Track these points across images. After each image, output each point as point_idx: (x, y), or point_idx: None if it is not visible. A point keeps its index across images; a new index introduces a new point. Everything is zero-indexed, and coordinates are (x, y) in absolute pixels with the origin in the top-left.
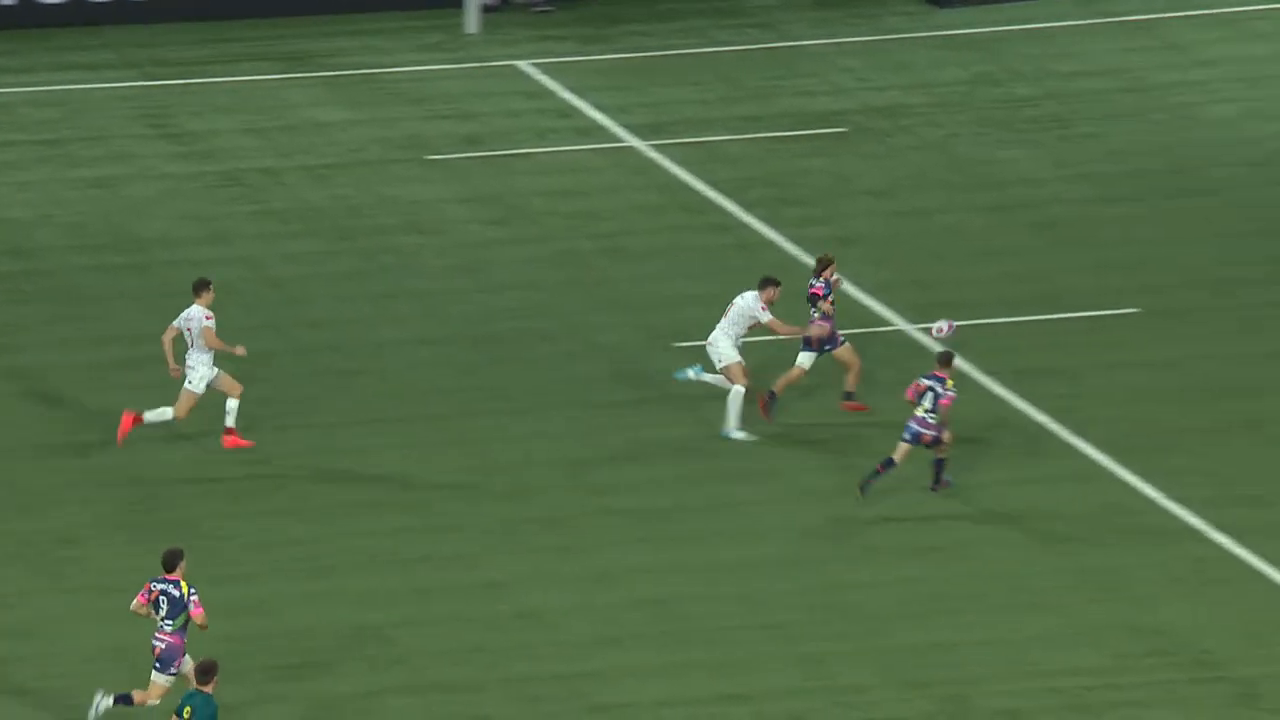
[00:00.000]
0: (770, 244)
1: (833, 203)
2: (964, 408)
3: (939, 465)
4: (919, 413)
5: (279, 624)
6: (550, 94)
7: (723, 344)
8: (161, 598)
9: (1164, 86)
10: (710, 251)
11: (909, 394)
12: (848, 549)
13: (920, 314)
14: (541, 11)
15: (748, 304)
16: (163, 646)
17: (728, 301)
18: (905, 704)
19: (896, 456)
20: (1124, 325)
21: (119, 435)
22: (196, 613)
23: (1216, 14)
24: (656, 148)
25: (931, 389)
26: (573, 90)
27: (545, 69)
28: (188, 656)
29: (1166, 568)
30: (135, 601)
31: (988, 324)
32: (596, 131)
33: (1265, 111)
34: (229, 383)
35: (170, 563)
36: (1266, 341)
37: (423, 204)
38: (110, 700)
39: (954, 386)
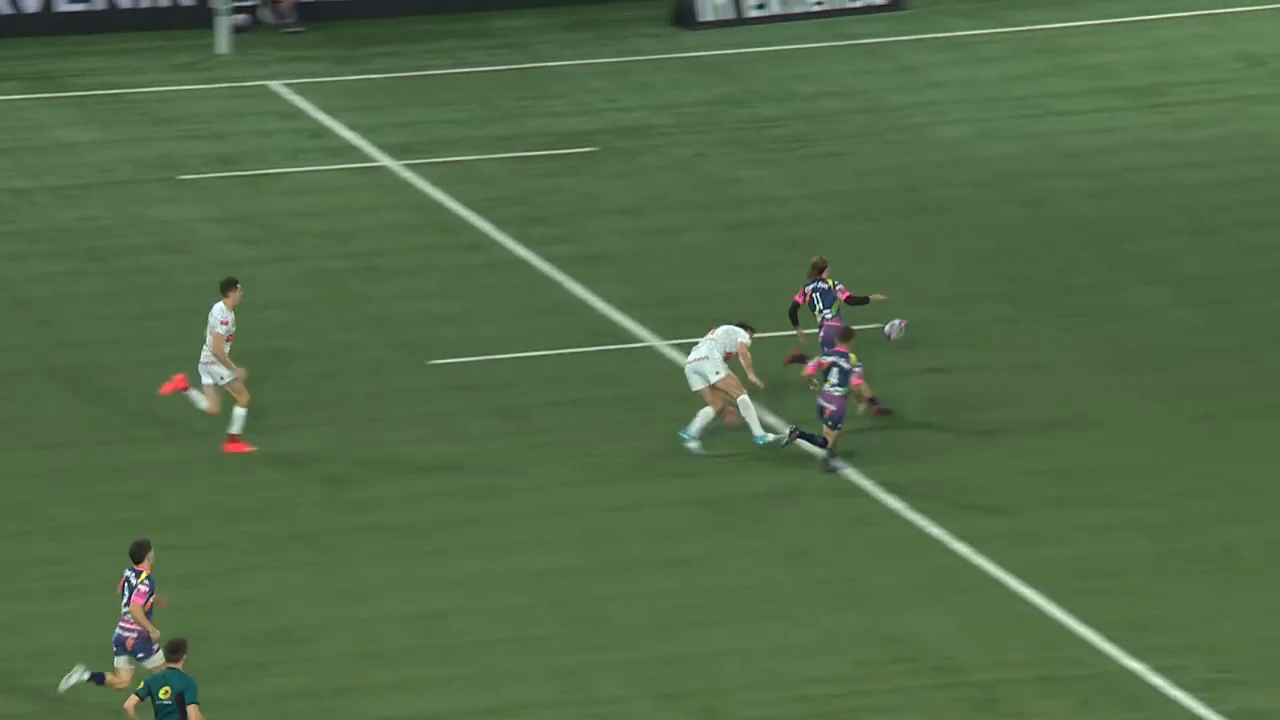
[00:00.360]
0: (522, 262)
1: (582, 221)
2: (712, 421)
3: (822, 440)
4: (826, 387)
5: (26, 645)
6: (302, 114)
7: (716, 359)
8: (124, 586)
9: (899, 108)
10: (463, 270)
11: (809, 370)
12: (600, 562)
13: (668, 330)
14: (292, 32)
15: (731, 336)
16: (133, 636)
17: (480, 319)
18: (660, 715)
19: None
20: (861, 340)
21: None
22: (136, 600)
23: (947, 38)
24: (409, 167)
25: (836, 365)
26: (325, 110)
27: (297, 89)
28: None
29: (909, 577)
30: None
31: None
32: (349, 151)
33: (994, 132)
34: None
35: (137, 554)
36: (998, 355)
37: (175, 224)
38: (85, 675)
39: (859, 361)
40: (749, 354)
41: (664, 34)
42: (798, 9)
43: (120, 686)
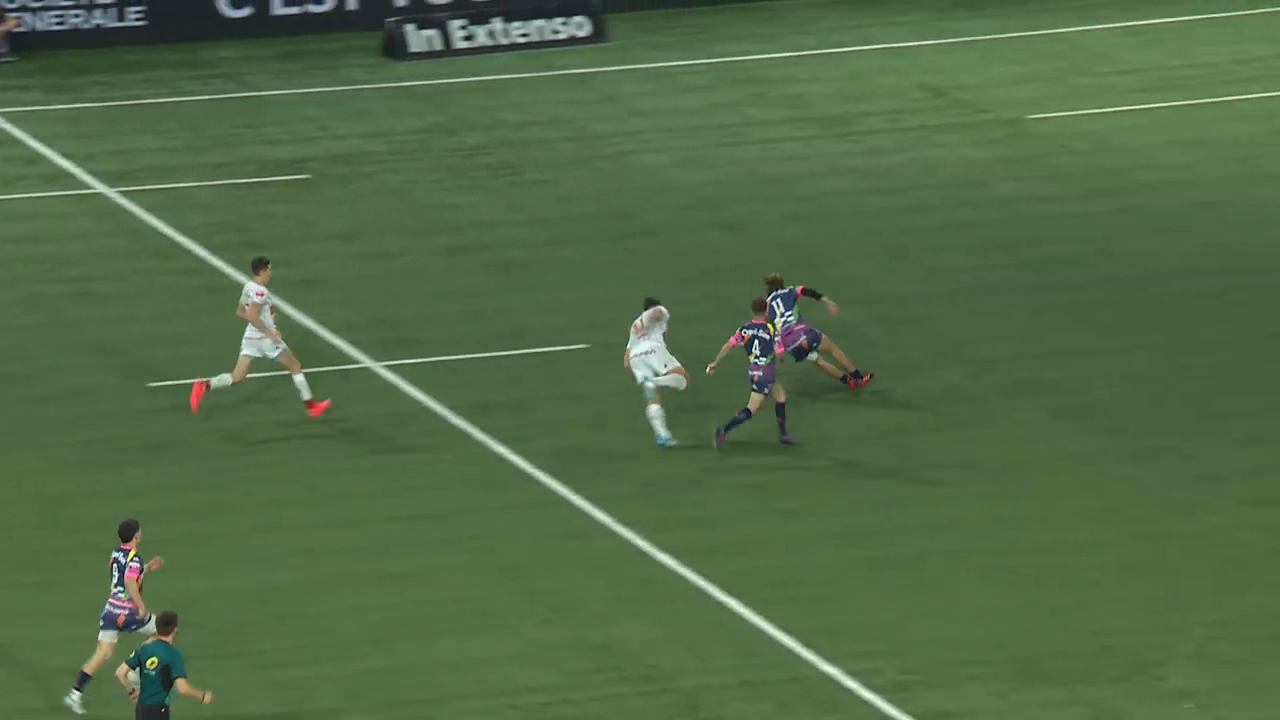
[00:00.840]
0: (239, 286)
1: (297, 246)
2: (428, 439)
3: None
4: (752, 359)
5: None
6: (16, 142)
7: (662, 348)
8: (114, 565)
9: (604, 136)
10: (181, 294)
11: (732, 341)
12: (318, 577)
13: (383, 352)
14: (4, 61)
15: (660, 320)
16: (125, 613)
17: (199, 341)
18: None
19: (752, 407)
20: (574, 359)
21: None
22: (130, 575)
23: (649, 68)
24: (125, 194)
25: (756, 337)
26: (39, 138)
27: (10, 118)
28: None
29: (616, 588)
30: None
31: (447, 360)
32: (64, 178)
33: (697, 159)
34: (290, 359)
35: (125, 532)
36: (696, 374)
37: None
38: (76, 696)
39: (775, 331)
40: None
41: (375, 64)
42: (504, 41)
43: (102, 660)
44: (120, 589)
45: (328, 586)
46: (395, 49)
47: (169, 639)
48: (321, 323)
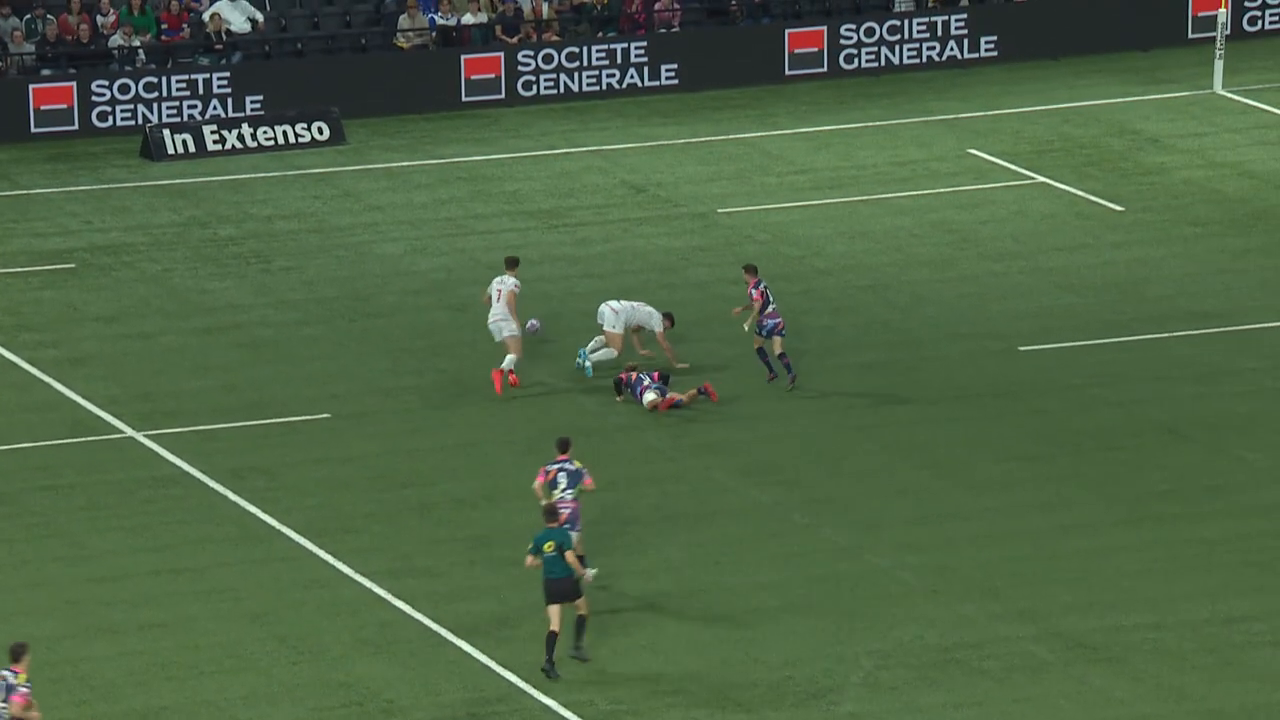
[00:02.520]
0: (11, 364)
1: (64, 328)
2: (187, 501)
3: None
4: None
5: None
6: None
7: (610, 318)
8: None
9: (344, 228)
10: None
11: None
12: (83, 627)
13: (146, 422)
14: None
15: (650, 314)
16: None
17: None
18: None
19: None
20: (317, 428)
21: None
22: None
23: (383, 168)
24: None
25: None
26: None
27: None
28: None
29: (357, 631)
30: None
31: (205, 429)
32: None
33: (426, 248)
34: (516, 344)
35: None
36: (430, 439)
37: None
38: None
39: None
40: (669, 345)
41: (135, 165)
42: (252, 144)
43: None
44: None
45: (93, 635)
46: (153, 151)
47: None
48: (88, 397)
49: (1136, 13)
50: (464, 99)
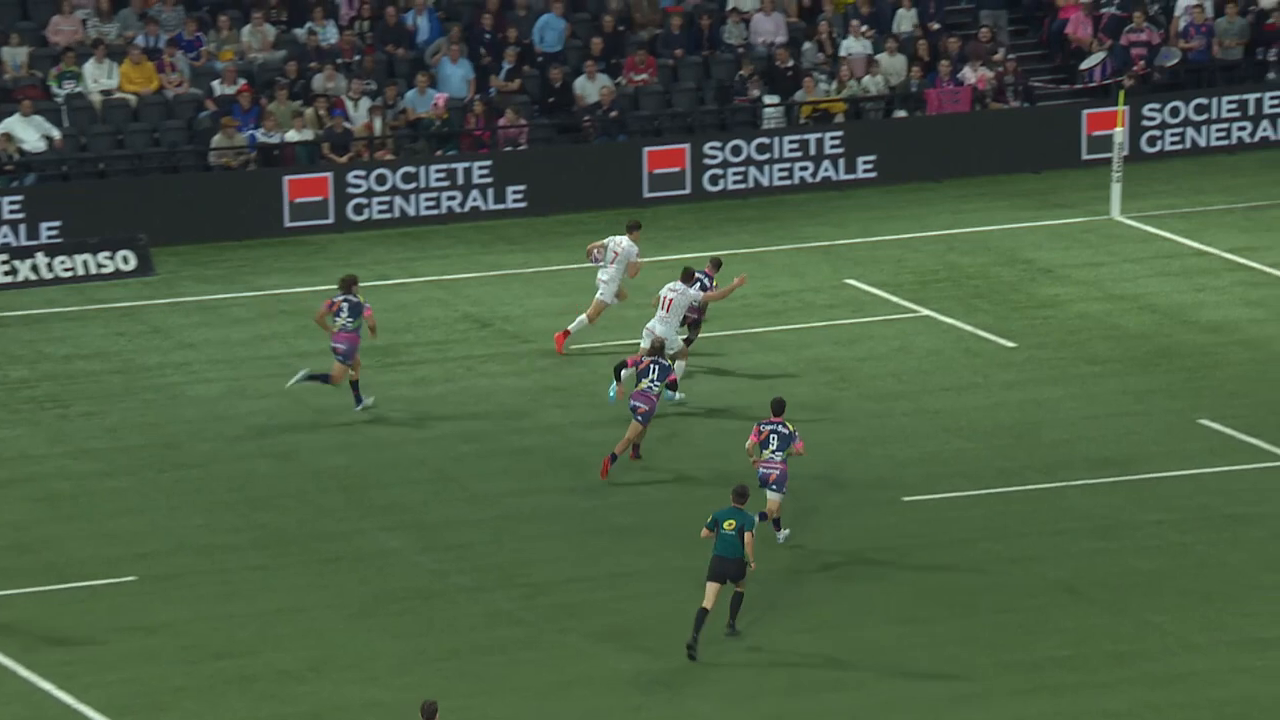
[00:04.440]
0: None
1: None
2: None
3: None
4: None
5: None
6: None
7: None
8: None
9: (152, 368)
10: None
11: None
12: None
13: None
14: None
15: (687, 294)
16: None
17: None
18: None
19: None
20: (122, 592)
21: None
22: None
23: (197, 301)
24: None
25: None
26: None
27: None
28: None
29: None
30: None
31: None
32: None
33: (245, 390)
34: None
35: None
36: (250, 603)
37: None
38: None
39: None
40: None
41: None
42: (48, 275)
43: None
44: None
45: None
46: None
47: None
48: None
49: (1027, 131)
50: (287, 224)
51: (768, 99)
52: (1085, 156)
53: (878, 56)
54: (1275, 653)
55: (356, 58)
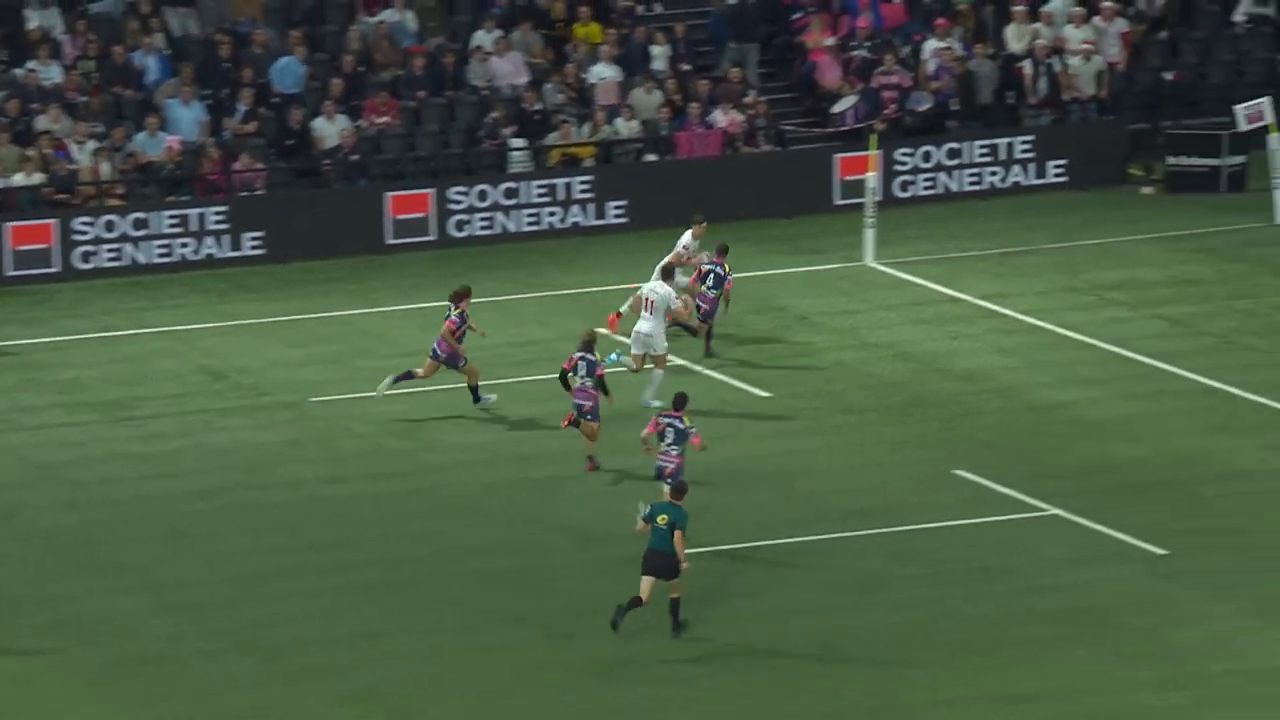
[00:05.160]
0: None
1: None
2: None
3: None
4: (702, 290)
5: None
6: None
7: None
8: None
9: None
10: None
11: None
12: None
13: None
14: None
15: (665, 295)
16: None
17: None
18: None
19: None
20: None
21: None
22: None
23: None
24: None
25: (712, 271)
26: None
27: None
28: None
29: None
30: None
31: None
32: None
33: None
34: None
35: None
36: None
37: None
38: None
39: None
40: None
41: None
42: None
43: None
44: None
45: None
46: None
47: None
48: None
49: (779, 176)
50: (8, 273)
51: (515, 142)
52: (838, 201)
53: (632, 91)
54: (1029, 707)
55: (82, 98)
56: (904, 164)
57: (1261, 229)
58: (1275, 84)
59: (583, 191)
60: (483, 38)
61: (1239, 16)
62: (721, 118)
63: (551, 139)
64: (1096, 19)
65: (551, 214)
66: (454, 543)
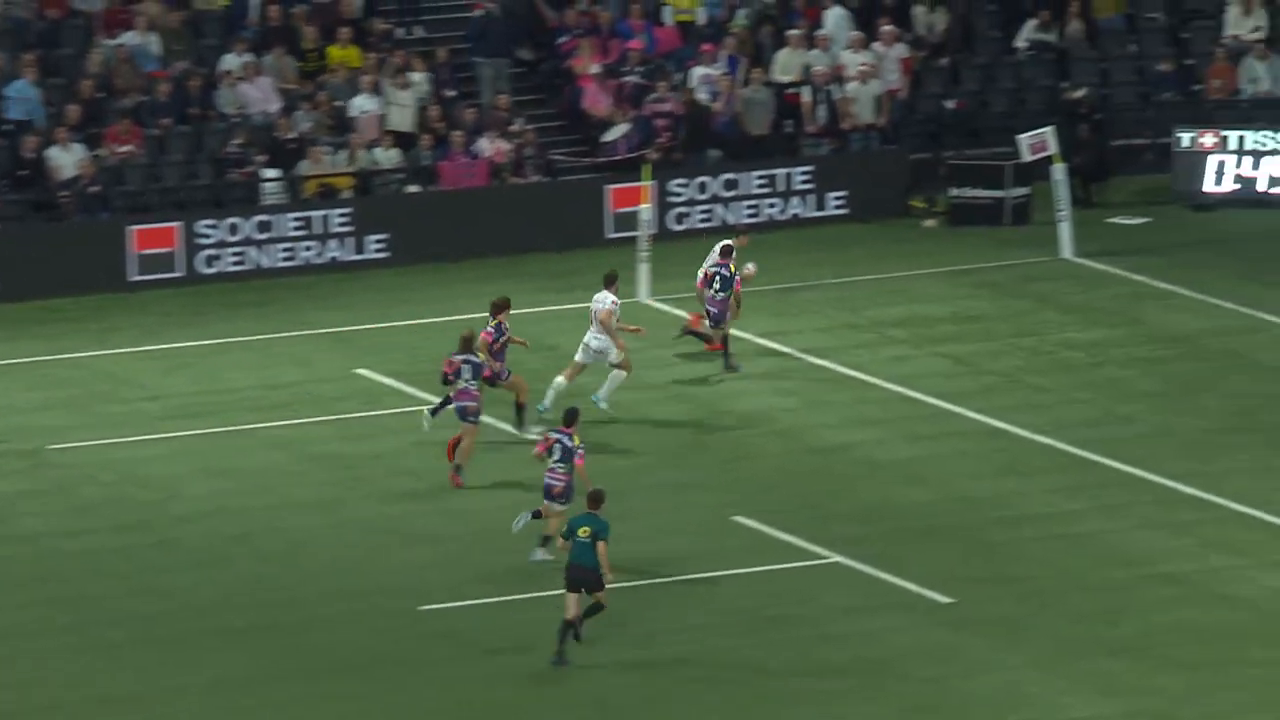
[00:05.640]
0: None
1: None
2: None
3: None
4: (709, 293)
5: None
6: None
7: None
8: None
9: None
10: None
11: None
12: None
13: None
14: None
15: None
16: None
17: None
18: None
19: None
20: None
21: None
22: None
23: None
24: None
25: (719, 274)
26: None
27: None
28: None
29: None
30: None
31: None
32: None
33: None
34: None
35: None
36: None
37: None
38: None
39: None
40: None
41: None
42: None
43: None
44: None
45: None
46: None
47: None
48: None
49: (548, 208)
50: None
51: (268, 172)
52: (610, 234)
53: (392, 115)
54: None
55: None
56: (679, 195)
57: (1046, 263)
58: (1058, 112)
59: (341, 225)
60: (231, 61)
61: (1021, 43)
62: (487, 146)
63: (304, 168)
64: (876, 44)
65: (308, 249)
66: (202, 598)
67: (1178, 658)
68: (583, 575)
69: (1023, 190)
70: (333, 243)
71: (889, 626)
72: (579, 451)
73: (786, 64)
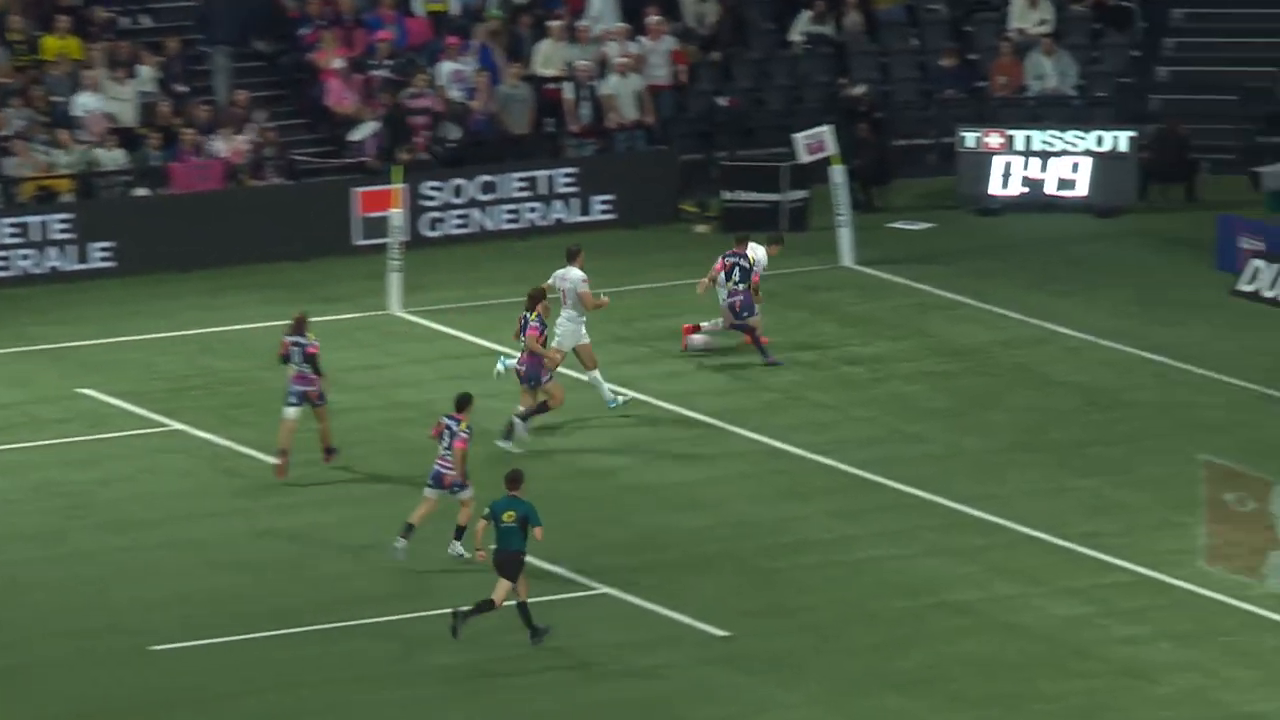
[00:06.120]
0: None
1: None
2: None
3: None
4: (730, 285)
5: None
6: None
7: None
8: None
9: None
10: None
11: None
12: None
13: None
14: None
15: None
16: None
17: None
18: None
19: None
20: None
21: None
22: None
23: None
24: None
25: (737, 265)
26: None
27: None
28: None
29: None
30: None
31: None
32: None
33: None
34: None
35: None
36: None
37: None
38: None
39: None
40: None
41: None
42: None
43: None
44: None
45: None
46: None
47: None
48: None
49: (290, 213)
50: None
51: None
52: (358, 242)
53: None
54: None
55: None
56: (433, 199)
57: (825, 271)
58: (836, 110)
59: (61, 231)
60: None
61: (796, 36)
62: (223, 146)
63: (12, 166)
64: (643, 38)
65: (25, 257)
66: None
67: (965, 693)
68: (510, 560)
69: (800, 193)
70: (52, 250)
71: (661, 663)
72: (461, 434)
73: (548, 57)
